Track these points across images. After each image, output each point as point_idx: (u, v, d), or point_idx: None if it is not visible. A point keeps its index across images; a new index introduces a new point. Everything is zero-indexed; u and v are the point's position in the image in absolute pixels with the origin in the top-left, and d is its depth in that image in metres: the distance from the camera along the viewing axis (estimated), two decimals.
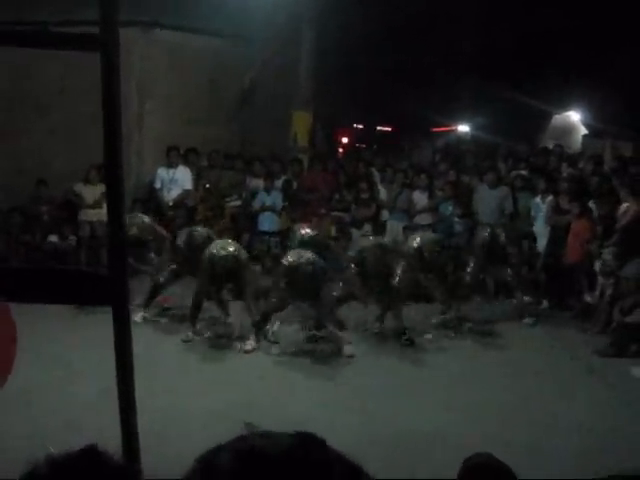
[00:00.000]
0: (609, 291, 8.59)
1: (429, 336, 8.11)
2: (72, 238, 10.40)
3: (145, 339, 6.75)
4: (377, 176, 11.79)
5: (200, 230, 8.65)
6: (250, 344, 7.46)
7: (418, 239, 8.57)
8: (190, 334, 7.75)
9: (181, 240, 8.71)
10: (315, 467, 0.79)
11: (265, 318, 7.60)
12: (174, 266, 8.45)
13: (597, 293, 8.95)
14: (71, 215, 10.60)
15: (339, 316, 7.80)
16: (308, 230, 8.71)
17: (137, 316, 7.83)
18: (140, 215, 9.08)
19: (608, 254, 8.72)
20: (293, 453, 0.79)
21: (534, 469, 4.62)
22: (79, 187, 10.36)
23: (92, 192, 10.11)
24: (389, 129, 23.51)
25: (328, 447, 0.83)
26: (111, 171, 1.98)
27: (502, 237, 8.87)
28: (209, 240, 8.13)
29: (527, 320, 8.84)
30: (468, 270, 8.89)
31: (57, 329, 7.38)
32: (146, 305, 8.30)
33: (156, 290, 8.43)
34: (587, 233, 9.27)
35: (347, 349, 7.41)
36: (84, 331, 7.18)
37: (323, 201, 11.00)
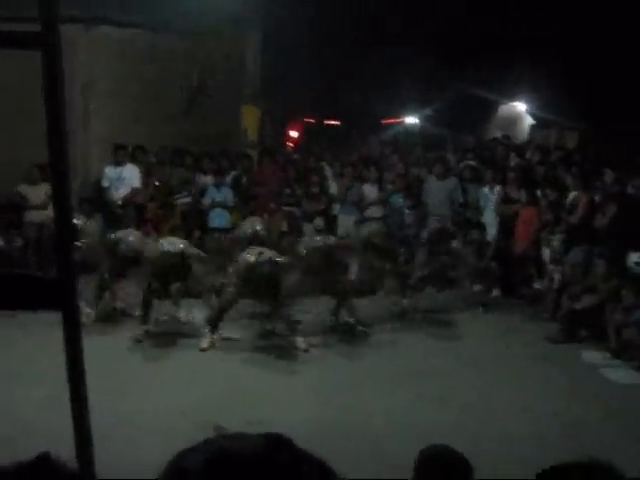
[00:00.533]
0: (557, 278, 8.77)
1: (384, 327, 8.17)
2: (18, 240, 10.17)
3: (95, 340, 6.63)
4: (328, 170, 11.81)
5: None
6: (206, 342, 7.40)
7: (366, 230, 8.70)
8: (141, 333, 7.64)
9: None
10: (285, 468, 0.79)
11: (219, 315, 7.54)
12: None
13: (546, 280, 9.13)
14: (15, 217, 10.35)
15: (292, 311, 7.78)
16: (257, 225, 8.66)
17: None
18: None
19: (556, 241, 8.90)
20: (263, 454, 0.80)
21: (494, 455, 4.70)
22: (23, 188, 10.13)
23: (37, 192, 9.91)
24: (338, 123, 23.55)
25: (297, 447, 0.83)
26: (57, 171, 1.92)
27: (451, 228, 9.00)
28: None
29: (481, 310, 8.97)
30: (418, 261, 8.97)
31: (4, 334, 7.22)
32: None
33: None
34: (535, 221, 9.45)
35: (301, 342, 7.42)
36: (32, 336, 7.02)
37: (273, 196, 10.96)
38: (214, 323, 7.51)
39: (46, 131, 1.87)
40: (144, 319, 7.71)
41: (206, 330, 7.50)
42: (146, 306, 7.69)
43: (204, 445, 0.83)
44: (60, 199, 1.93)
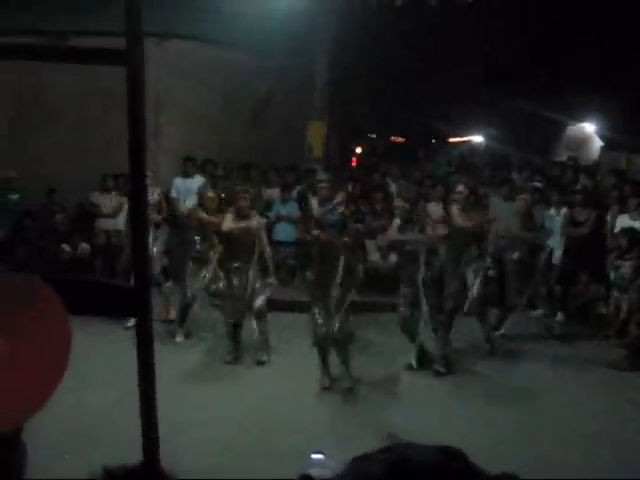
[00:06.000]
0: (625, 304, 8.55)
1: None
2: (84, 247, 10.45)
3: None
4: (393, 187, 11.78)
5: None
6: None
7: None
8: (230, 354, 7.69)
9: None
10: (464, 477, 0.82)
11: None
12: None
13: (612, 306, 8.91)
14: (85, 224, 10.65)
15: None
16: None
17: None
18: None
19: (626, 267, 8.67)
20: (441, 463, 0.82)
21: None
22: (96, 196, 10.44)
23: (108, 201, 10.19)
24: (403, 139, 23.53)
25: (470, 461, 0.85)
26: (135, 182, 1.99)
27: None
28: None
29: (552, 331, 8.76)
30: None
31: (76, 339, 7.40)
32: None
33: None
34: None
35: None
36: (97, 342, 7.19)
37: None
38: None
39: (128, 143, 1.94)
40: (233, 346, 7.69)
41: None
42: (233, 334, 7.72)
43: (382, 452, 0.85)
44: (137, 209, 1.99)
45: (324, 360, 6.95)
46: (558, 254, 9.73)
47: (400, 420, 6.01)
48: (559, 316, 9.39)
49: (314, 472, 1.84)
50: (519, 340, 8.67)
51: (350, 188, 11.60)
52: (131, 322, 7.79)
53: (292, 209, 10.88)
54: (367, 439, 5.23)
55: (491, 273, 9.70)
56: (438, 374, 7.31)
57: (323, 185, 9.88)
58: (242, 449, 5.35)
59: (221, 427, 5.75)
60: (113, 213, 10.07)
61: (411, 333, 7.48)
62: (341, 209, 8.18)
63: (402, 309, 7.43)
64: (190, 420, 5.71)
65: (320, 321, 6.79)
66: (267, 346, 7.64)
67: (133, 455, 2.00)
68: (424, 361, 7.48)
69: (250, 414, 6.07)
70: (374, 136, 23.53)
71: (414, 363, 7.41)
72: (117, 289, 1.94)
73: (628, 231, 8.96)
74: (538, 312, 9.40)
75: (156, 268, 8.29)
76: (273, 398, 6.51)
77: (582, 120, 17.69)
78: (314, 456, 1.94)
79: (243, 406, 6.28)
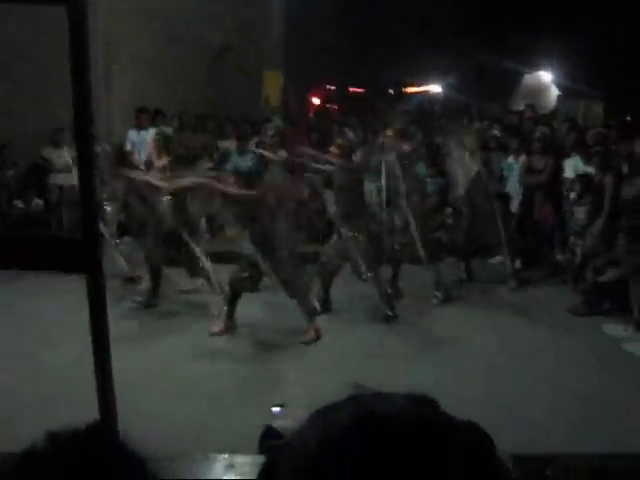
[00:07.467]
0: (581, 250, 8.68)
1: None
2: (38, 202, 10.23)
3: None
4: (351, 137, 11.68)
5: None
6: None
7: None
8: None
9: None
10: (434, 426, 0.79)
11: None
12: None
13: (567, 253, 9.05)
14: (38, 180, 10.41)
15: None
16: None
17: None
18: None
19: (581, 213, 8.79)
20: (410, 412, 0.79)
21: (507, 424, 4.68)
22: (47, 151, 10.17)
23: (61, 155, 9.93)
24: (361, 90, 23.34)
25: (441, 408, 0.83)
26: (82, 134, 1.90)
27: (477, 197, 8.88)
28: None
29: (511, 283, 8.86)
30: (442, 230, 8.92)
31: (31, 293, 7.31)
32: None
33: None
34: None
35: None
36: (58, 295, 7.07)
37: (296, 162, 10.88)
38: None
39: (72, 94, 1.84)
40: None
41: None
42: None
43: (347, 402, 0.82)
44: (85, 163, 1.91)
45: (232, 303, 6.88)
46: (516, 202, 9.82)
47: (362, 369, 6.04)
48: (517, 263, 9.49)
49: (277, 424, 1.82)
50: (476, 287, 8.78)
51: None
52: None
53: (249, 161, 10.74)
54: (331, 388, 5.26)
55: (449, 221, 9.80)
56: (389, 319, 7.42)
57: (271, 134, 9.29)
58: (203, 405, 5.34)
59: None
60: (65, 168, 9.82)
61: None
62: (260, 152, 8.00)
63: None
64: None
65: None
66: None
67: (95, 415, 1.96)
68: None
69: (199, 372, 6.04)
70: (333, 87, 23.29)
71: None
72: (65, 243, 1.87)
73: (582, 177, 9.07)
74: (496, 259, 9.49)
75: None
76: (223, 354, 6.51)
77: (538, 69, 17.74)
78: (274, 409, 1.92)
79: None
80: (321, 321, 7.09)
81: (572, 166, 9.45)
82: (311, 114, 18.23)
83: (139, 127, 10.50)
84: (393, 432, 0.76)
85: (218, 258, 7.64)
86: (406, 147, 8.41)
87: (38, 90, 10.65)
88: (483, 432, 0.82)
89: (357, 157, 8.12)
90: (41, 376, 5.57)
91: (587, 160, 9.21)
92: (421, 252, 7.96)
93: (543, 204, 9.66)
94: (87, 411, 1.55)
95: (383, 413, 0.79)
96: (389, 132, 8.47)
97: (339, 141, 7.77)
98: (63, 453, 0.90)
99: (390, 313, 7.43)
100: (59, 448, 0.90)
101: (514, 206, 9.82)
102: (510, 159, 10.07)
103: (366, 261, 7.33)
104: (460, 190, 9.06)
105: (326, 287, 7.68)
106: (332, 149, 7.69)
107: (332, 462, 0.75)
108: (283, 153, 8.69)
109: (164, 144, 7.86)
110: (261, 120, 11.79)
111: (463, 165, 9.37)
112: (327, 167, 7.59)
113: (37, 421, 4.09)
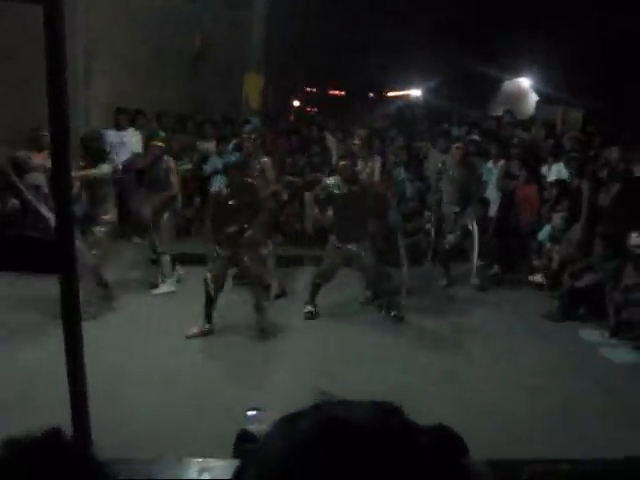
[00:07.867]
0: (557, 256, 8.74)
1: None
2: (14, 202, 10.11)
3: None
4: (331, 140, 11.71)
5: None
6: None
7: None
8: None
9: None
10: (398, 435, 0.78)
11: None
12: None
13: (544, 258, 9.10)
14: (11, 180, 10.26)
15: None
16: None
17: None
18: None
19: (558, 219, 8.85)
20: (374, 420, 0.79)
21: (483, 429, 4.69)
22: (23, 153, 10.04)
23: (39, 156, 9.81)
24: (341, 93, 23.38)
25: (407, 416, 0.82)
26: (57, 133, 1.87)
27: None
28: None
29: (474, 281, 8.92)
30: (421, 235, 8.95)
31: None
32: None
33: None
34: (536, 198, 9.44)
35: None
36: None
37: (275, 165, 10.87)
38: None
39: (46, 93, 1.81)
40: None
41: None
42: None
43: (312, 409, 0.82)
44: (60, 163, 1.89)
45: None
46: (494, 207, 9.87)
47: (332, 373, 6.03)
48: (495, 268, 9.53)
49: (252, 428, 1.81)
50: (454, 291, 8.81)
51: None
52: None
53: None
54: (301, 392, 5.24)
55: (428, 227, 9.83)
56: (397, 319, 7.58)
57: (246, 137, 8.92)
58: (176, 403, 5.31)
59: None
60: (42, 168, 9.70)
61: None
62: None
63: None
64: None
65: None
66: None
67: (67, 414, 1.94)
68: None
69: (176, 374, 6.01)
70: (313, 90, 23.30)
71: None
72: (39, 243, 1.84)
73: (559, 182, 9.16)
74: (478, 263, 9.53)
75: None
76: (200, 356, 6.49)
77: (518, 75, 17.85)
78: (249, 413, 1.91)
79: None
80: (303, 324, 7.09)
81: (556, 172, 9.53)
82: (291, 117, 18.24)
83: (118, 127, 10.42)
84: (357, 439, 0.76)
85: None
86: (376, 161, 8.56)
87: (19, 91, 10.52)
88: (454, 436, 0.82)
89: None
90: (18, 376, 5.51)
91: (566, 164, 9.31)
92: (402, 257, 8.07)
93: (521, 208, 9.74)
94: (59, 413, 1.53)
95: (347, 420, 0.78)
96: (357, 140, 8.56)
97: (343, 162, 7.71)
98: (21, 461, 0.89)
99: (397, 313, 7.59)
100: (17, 456, 0.89)
101: (492, 211, 9.87)
102: (489, 164, 10.14)
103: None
104: (438, 194, 9.13)
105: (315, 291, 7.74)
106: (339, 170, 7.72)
107: (296, 469, 0.74)
108: (262, 155, 8.64)
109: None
110: (241, 122, 11.76)
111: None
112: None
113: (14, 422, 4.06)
